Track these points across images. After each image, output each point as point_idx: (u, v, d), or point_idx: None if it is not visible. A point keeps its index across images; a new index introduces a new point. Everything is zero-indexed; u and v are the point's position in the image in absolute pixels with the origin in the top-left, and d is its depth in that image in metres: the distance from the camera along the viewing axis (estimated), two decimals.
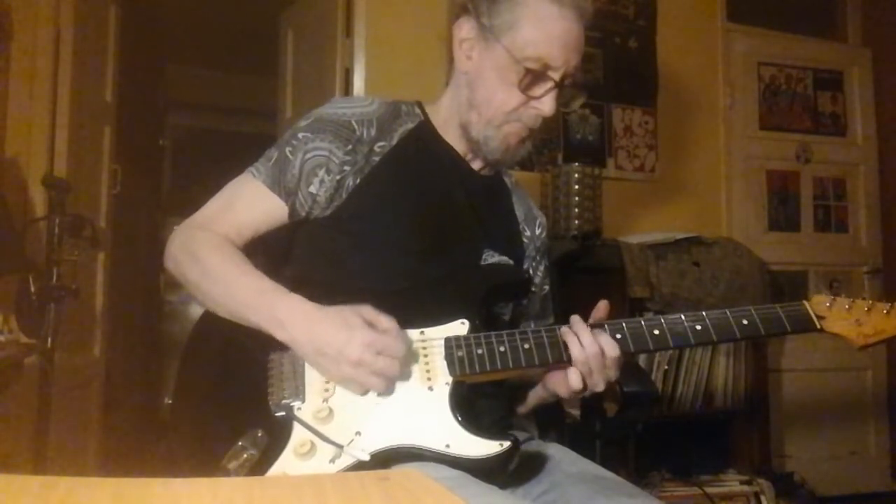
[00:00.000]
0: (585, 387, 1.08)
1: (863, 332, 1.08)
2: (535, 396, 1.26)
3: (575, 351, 1.06)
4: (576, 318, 1.09)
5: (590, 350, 1.06)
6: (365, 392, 1.02)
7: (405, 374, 1.04)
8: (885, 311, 1.08)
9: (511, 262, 1.27)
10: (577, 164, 2.77)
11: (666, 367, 2.63)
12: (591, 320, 1.11)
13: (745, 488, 2.57)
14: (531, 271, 1.35)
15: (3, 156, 2.41)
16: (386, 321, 1.02)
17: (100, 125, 2.97)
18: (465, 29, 1.22)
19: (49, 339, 2.05)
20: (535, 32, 1.14)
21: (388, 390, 1.02)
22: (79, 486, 0.60)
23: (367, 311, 1.03)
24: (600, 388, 1.09)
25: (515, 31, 1.15)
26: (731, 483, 2.59)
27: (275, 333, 1.04)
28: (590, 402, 1.21)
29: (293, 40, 3.47)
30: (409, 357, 1.05)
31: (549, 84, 1.16)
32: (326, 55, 3.04)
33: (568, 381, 1.08)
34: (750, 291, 2.82)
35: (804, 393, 3.35)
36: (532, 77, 1.16)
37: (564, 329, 1.08)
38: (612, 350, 1.07)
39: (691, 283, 2.72)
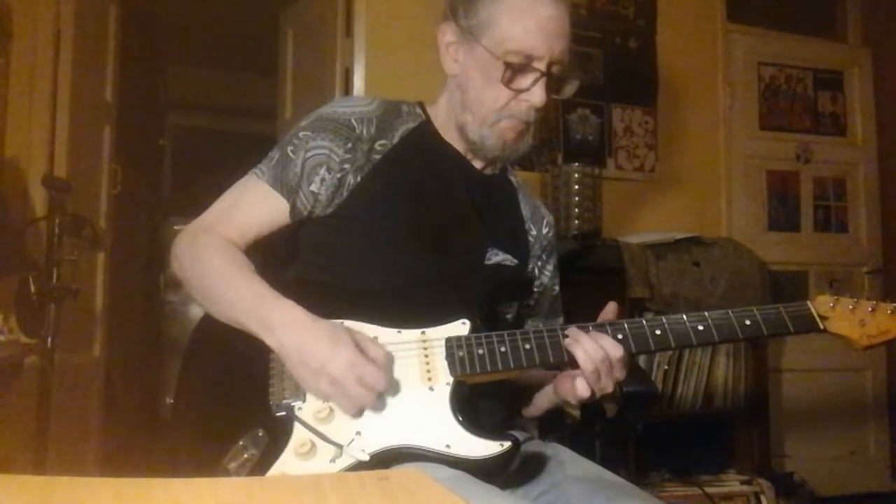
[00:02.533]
0: (593, 394, 1.08)
1: (866, 332, 1.07)
2: (546, 400, 1.25)
3: (581, 360, 1.05)
4: (573, 329, 1.08)
5: (596, 356, 1.05)
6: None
7: (406, 375, 1.04)
8: (889, 312, 1.06)
9: (515, 261, 1.26)
10: (577, 164, 2.77)
11: (666, 367, 2.63)
12: (599, 321, 1.10)
13: (745, 488, 2.57)
14: (537, 271, 1.34)
15: (3, 156, 2.41)
16: (375, 350, 1.02)
17: (100, 125, 2.97)
18: (448, 33, 1.22)
19: (49, 339, 2.05)
20: (511, 26, 1.14)
21: (357, 415, 1.01)
22: (79, 486, 0.60)
23: (362, 336, 1.03)
24: (609, 389, 1.08)
25: (493, 28, 1.15)
26: (731, 483, 2.59)
27: (264, 338, 1.04)
28: (590, 402, 1.20)
29: (293, 40, 3.47)
30: (410, 358, 1.05)
31: (535, 74, 1.16)
32: (326, 55, 3.04)
33: (575, 391, 1.08)
34: (750, 291, 2.82)
35: (804, 393, 3.35)
36: (513, 71, 1.16)
37: (568, 341, 1.07)
38: (616, 351, 1.06)
39: (691, 283, 2.72)
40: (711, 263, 2.79)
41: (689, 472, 2.59)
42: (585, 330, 1.08)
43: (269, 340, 1.03)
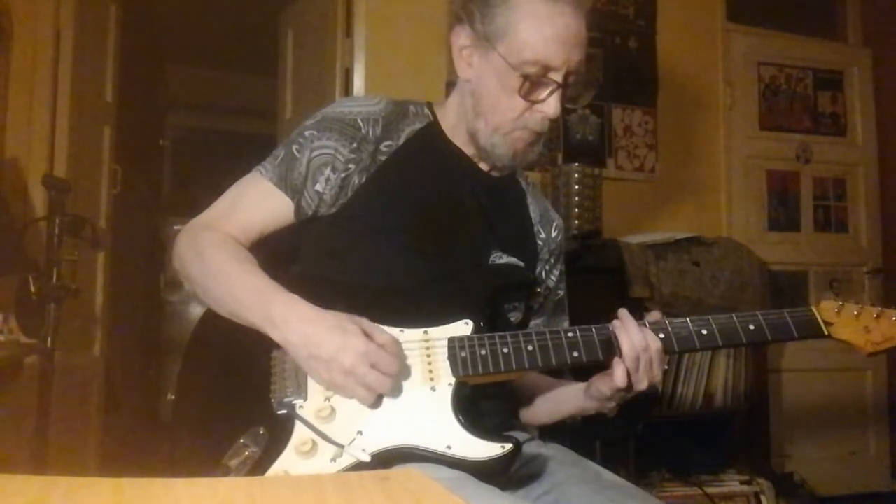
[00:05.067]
0: (630, 385, 1.08)
1: (871, 339, 1.07)
2: (571, 405, 1.24)
3: (625, 347, 1.06)
4: (624, 312, 1.09)
5: (639, 345, 1.06)
6: (352, 397, 1.02)
7: (408, 374, 1.04)
8: (894, 318, 1.07)
9: (521, 263, 1.25)
10: (577, 164, 2.77)
11: (666, 366, 2.62)
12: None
13: (745, 488, 2.57)
14: (544, 274, 1.33)
15: (3, 156, 2.42)
16: (381, 335, 1.01)
17: (100, 125, 2.97)
18: (462, 37, 1.20)
19: (49, 339, 2.04)
20: (529, 35, 1.12)
21: (374, 404, 1.01)
22: (79, 486, 0.60)
23: (365, 321, 1.03)
24: (643, 385, 1.08)
25: (510, 37, 1.13)
26: (731, 483, 2.59)
27: (269, 333, 1.03)
28: (625, 396, 1.19)
29: (293, 40, 3.47)
30: (412, 358, 1.05)
31: (552, 86, 1.14)
32: (326, 55, 3.04)
33: (614, 379, 1.07)
34: (750, 291, 2.82)
35: (804, 393, 3.35)
36: (531, 83, 1.14)
37: (616, 323, 1.08)
38: (655, 343, 1.07)
39: (691, 283, 2.72)
40: (711, 263, 2.79)
41: (689, 472, 2.59)
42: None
43: (274, 335, 1.03)
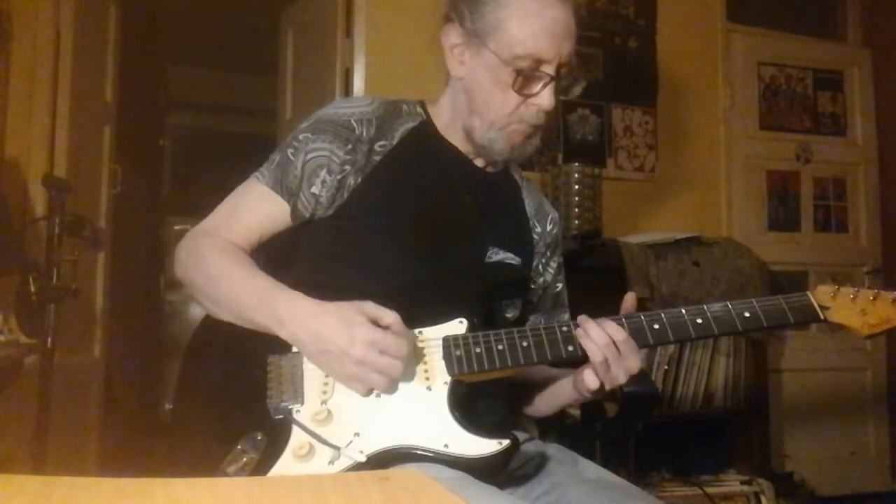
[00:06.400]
0: (603, 385, 1.06)
1: (868, 321, 1.05)
2: (564, 396, 1.24)
3: (591, 350, 1.05)
4: (583, 317, 1.07)
5: (601, 342, 1.04)
6: (368, 392, 1.02)
7: (404, 374, 1.04)
8: (891, 300, 1.05)
9: (518, 259, 1.25)
10: (577, 164, 2.77)
11: (666, 366, 2.63)
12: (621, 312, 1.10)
13: (745, 488, 2.57)
14: (541, 268, 1.33)
15: (3, 156, 2.41)
16: (388, 316, 1.01)
17: (100, 125, 2.97)
18: (452, 35, 1.21)
19: (49, 339, 2.05)
20: (519, 30, 1.13)
21: (390, 389, 1.02)
22: (79, 486, 0.60)
23: (370, 307, 1.02)
24: (622, 380, 1.06)
25: (501, 33, 1.14)
26: (731, 483, 2.59)
27: (276, 332, 1.04)
28: (590, 401, 1.20)
29: (293, 40, 3.47)
30: (409, 356, 1.05)
31: (545, 79, 1.15)
32: (326, 55, 3.04)
33: (585, 382, 1.07)
34: (750, 291, 2.82)
35: (804, 393, 3.35)
36: (524, 77, 1.15)
37: (579, 332, 1.07)
38: (619, 334, 1.04)
39: (691, 283, 2.72)
40: (711, 263, 2.79)
41: (689, 472, 2.59)
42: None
43: (282, 333, 1.04)
